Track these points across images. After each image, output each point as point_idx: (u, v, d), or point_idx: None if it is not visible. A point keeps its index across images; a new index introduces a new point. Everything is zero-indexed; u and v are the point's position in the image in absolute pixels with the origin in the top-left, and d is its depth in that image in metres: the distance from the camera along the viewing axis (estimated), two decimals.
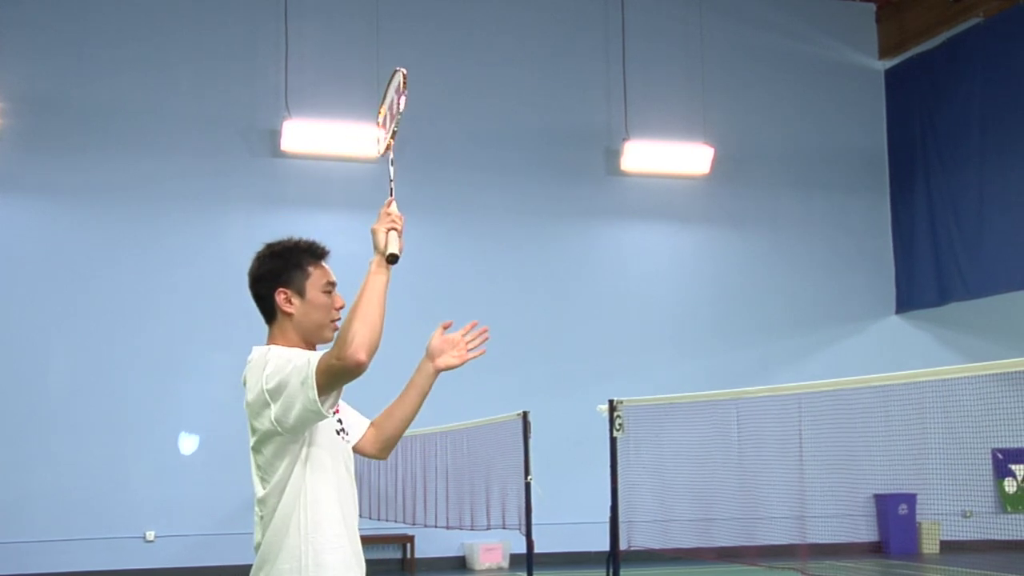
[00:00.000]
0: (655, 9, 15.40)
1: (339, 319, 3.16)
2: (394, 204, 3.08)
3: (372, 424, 3.42)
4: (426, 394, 3.37)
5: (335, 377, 2.84)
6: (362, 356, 2.80)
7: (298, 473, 3.02)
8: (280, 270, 3.18)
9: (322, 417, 2.93)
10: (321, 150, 13.93)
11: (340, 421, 3.20)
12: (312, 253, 3.21)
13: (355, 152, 13.89)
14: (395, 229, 3.00)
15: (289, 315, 3.16)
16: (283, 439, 3.00)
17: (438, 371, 3.38)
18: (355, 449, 3.33)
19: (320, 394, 2.86)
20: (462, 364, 3.39)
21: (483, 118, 14.67)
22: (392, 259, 2.96)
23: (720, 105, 15.38)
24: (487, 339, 3.42)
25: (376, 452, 3.39)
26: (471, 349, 3.41)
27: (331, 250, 3.28)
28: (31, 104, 13.22)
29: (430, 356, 3.39)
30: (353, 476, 3.17)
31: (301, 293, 3.16)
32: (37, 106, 13.27)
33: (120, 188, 13.43)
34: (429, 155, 14.22)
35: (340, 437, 3.15)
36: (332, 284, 3.20)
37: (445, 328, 3.43)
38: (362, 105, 13.81)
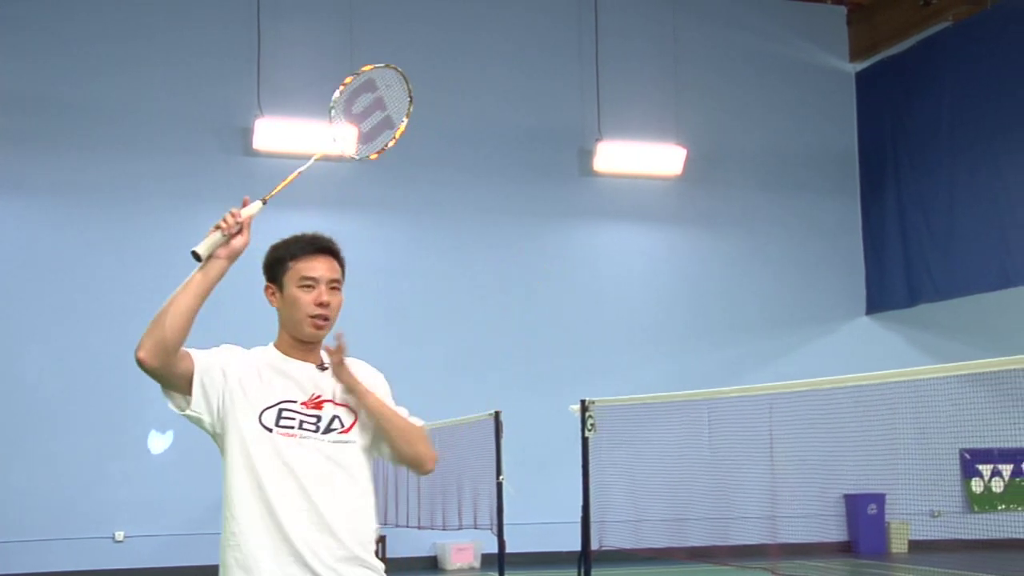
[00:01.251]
0: (628, 9, 15.43)
1: (319, 315, 3.13)
2: (252, 205, 3.06)
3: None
4: (380, 414, 3.14)
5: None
6: (140, 354, 2.89)
7: (223, 470, 3.10)
8: (268, 266, 3.20)
9: (181, 411, 3.05)
10: (293, 149, 13.86)
11: (307, 415, 3.09)
12: (297, 246, 3.18)
13: (327, 151, 13.82)
14: (220, 228, 2.99)
15: (277, 310, 3.19)
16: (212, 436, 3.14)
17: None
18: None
19: (164, 387, 3.03)
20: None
21: (456, 118, 14.65)
22: (193, 255, 2.95)
23: (693, 106, 15.43)
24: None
25: (422, 471, 3.24)
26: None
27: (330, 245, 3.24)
28: (4, 103, 13.10)
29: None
30: (302, 475, 3.03)
31: (282, 288, 3.16)
32: (10, 105, 13.14)
33: (93, 186, 13.34)
34: (402, 154, 14.13)
35: (278, 432, 3.05)
36: (310, 279, 3.13)
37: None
38: None
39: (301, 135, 13.75)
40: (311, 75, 14.01)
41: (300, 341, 3.16)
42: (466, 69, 14.85)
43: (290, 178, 3.26)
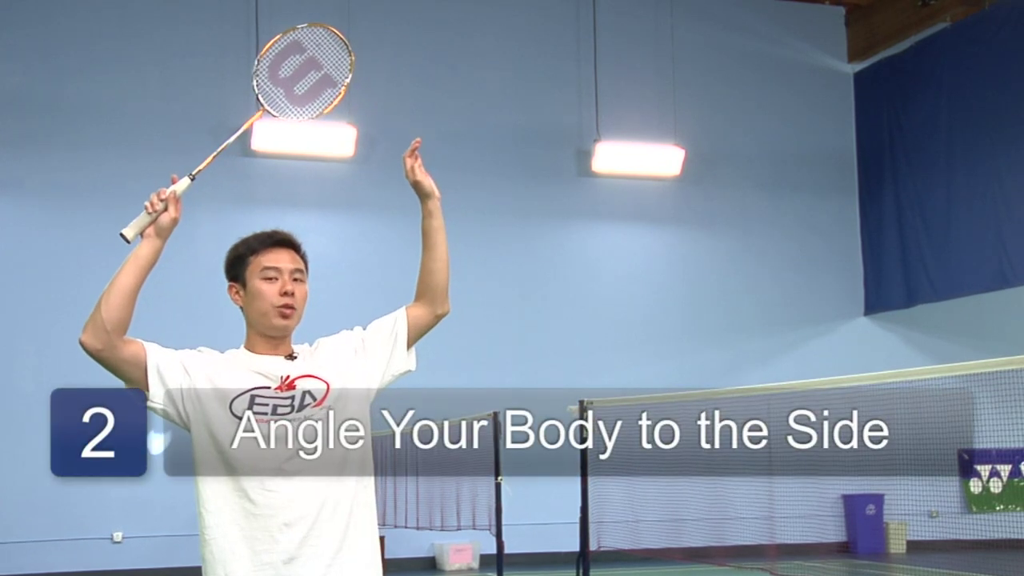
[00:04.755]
0: (626, 10, 15.43)
1: (285, 304, 3.10)
2: (181, 181, 3.11)
3: (416, 299, 3.42)
4: (441, 227, 3.45)
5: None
6: (81, 337, 2.98)
7: (193, 465, 3.10)
8: (228, 265, 3.19)
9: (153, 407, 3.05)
10: (291, 149, 13.86)
11: (280, 399, 3.05)
12: (256, 241, 3.17)
13: (325, 151, 13.83)
14: (145, 208, 3.03)
15: (242, 309, 3.17)
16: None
17: (426, 196, 3.41)
18: (413, 327, 3.37)
19: (124, 381, 3.05)
20: (421, 174, 3.43)
21: (454, 118, 14.65)
22: (121, 237, 3.00)
23: (691, 106, 15.42)
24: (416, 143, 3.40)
25: (440, 308, 3.44)
26: (412, 164, 3.41)
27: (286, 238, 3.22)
28: None
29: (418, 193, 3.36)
30: (278, 460, 3.00)
31: (244, 284, 3.15)
32: (2, 104, 13.13)
33: (87, 187, 13.32)
34: (399, 154, 14.10)
35: (250, 418, 3.01)
36: (273, 269, 3.12)
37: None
38: None
39: (299, 136, 13.74)
40: None
41: (268, 336, 3.13)
42: (464, 69, 14.84)
43: (218, 151, 3.29)
